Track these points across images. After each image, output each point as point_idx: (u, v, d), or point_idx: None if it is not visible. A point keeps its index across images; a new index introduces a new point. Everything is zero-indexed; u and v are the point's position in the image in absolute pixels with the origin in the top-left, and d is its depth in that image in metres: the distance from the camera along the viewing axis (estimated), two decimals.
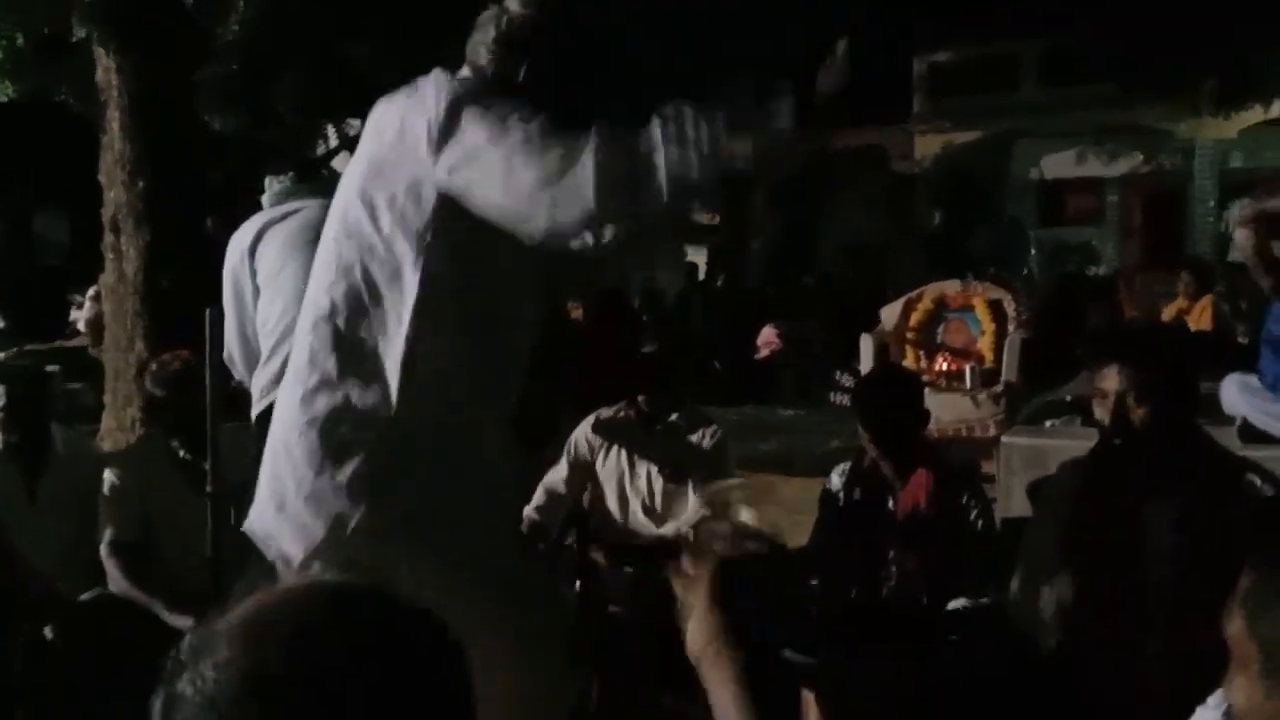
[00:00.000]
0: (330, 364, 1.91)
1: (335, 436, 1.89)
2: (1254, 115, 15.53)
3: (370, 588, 0.85)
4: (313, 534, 1.88)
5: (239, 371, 3.09)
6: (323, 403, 1.90)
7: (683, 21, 7.71)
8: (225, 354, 3.05)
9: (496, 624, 1.85)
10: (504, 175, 1.75)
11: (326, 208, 2.99)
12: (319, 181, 3.21)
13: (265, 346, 2.88)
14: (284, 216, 3.00)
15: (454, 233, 1.86)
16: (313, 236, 2.91)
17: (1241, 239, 4.26)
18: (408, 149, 1.86)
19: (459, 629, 0.86)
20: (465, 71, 1.99)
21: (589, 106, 1.93)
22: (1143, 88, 14.43)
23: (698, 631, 1.25)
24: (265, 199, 3.13)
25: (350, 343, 1.90)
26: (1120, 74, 14.29)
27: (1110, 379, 2.27)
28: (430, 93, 1.85)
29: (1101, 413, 2.32)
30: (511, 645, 1.89)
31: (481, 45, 1.99)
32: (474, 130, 1.79)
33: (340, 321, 1.91)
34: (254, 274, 2.96)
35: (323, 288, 1.96)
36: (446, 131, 1.80)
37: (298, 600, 0.81)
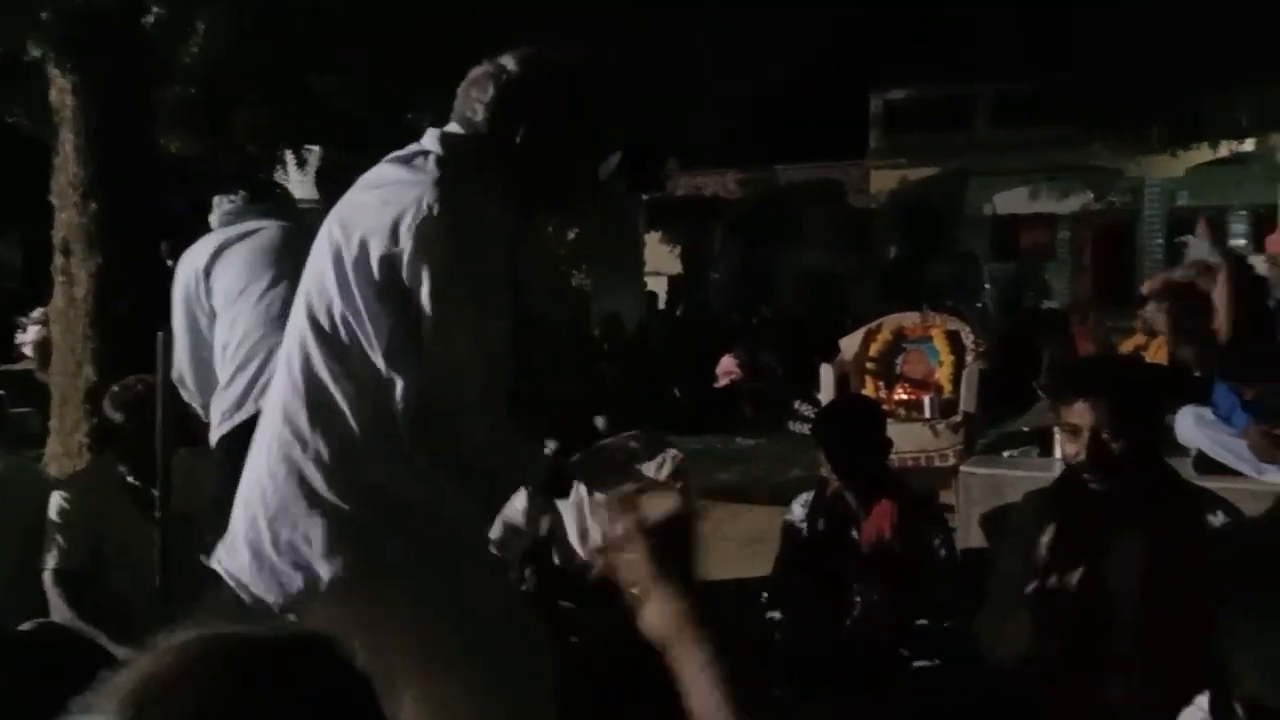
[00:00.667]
0: (303, 414, 1.87)
1: (310, 486, 1.84)
2: (1201, 155, 15.94)
3: (277, 637, 0.80)
4: (290, 585, 1.82)
5: (189, 394, 3.02)
6: (298, 452, 1.86)
7: (658, 65, 7.76)
8: (175, 375, 2.97)
9: (486, 668, 1.84)
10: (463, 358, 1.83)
11: (285, 229, 2.97)
12: (270, 202, 3.11)
13: (225, 371, 2.81)
14: (241, 237, 2.93)
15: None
16: (273, 259, 2.87)
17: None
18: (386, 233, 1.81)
19: (444, 675, 0.81)
20: (457, 128, 1.95)
21: (575, 164, 2.00)
22: (1093, 129, 14.79)
23: (658, 616, 1.15)
24: (213, 219, 3.04)
25: (325, 392, 1.86)
26: (1071, 115, 14.63)
27: (1080, 414, 2.26)
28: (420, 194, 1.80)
29: (1071, 446, 2.32)
30: (501, 689, 1.87)
31: (479, 103, 1.93)
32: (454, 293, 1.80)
33: (316, 370, 1.87)
34: (209, 294, 2.89)
35: (295, 337, 1.92)
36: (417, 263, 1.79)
37: (193, 661, 0.75)
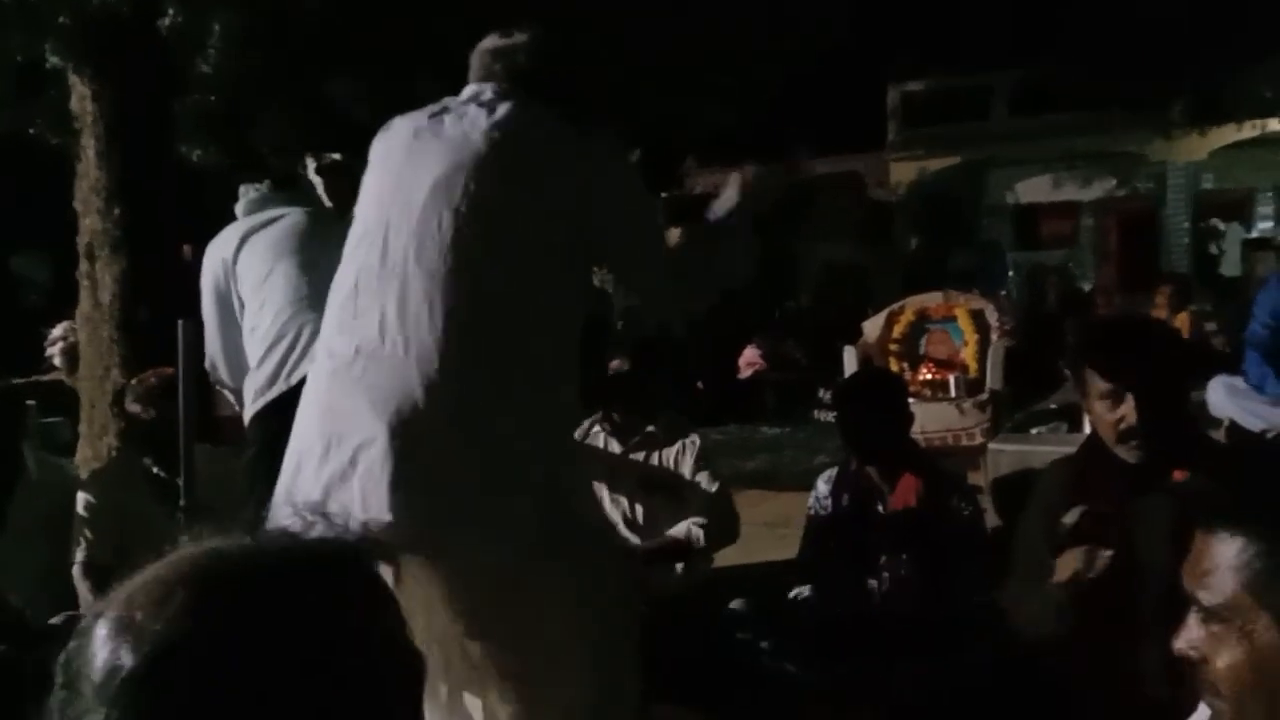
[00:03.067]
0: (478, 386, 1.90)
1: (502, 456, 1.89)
2: (1224, 136, 15.75)
3: (292, 548, 0.78)
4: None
5: (222, 378, 3.06)
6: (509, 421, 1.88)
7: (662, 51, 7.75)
8: (208, 362, 3.03)
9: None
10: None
11: (308, 214, 3.03)
12: (293, 190, 3.15)
13: (256, 352, 2.86)
14: (265, 224, 2.99)
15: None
16: (298, 243, 2.93)
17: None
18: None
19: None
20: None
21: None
22: (1113, 111, 14.64)
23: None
24: (239, 207, 3.09)
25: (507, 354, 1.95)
26: (1090, 100, 14.49)
27: (1121, 378, 2.21)
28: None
29: (1107, 411, 2.26)
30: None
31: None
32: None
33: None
34: (237, 281, 2.94)
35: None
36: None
37: (187, 569, 0.74)
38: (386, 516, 1.76)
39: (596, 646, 1.90)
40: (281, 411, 2.72)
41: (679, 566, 3.53)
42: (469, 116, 1.99)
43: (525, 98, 2.03)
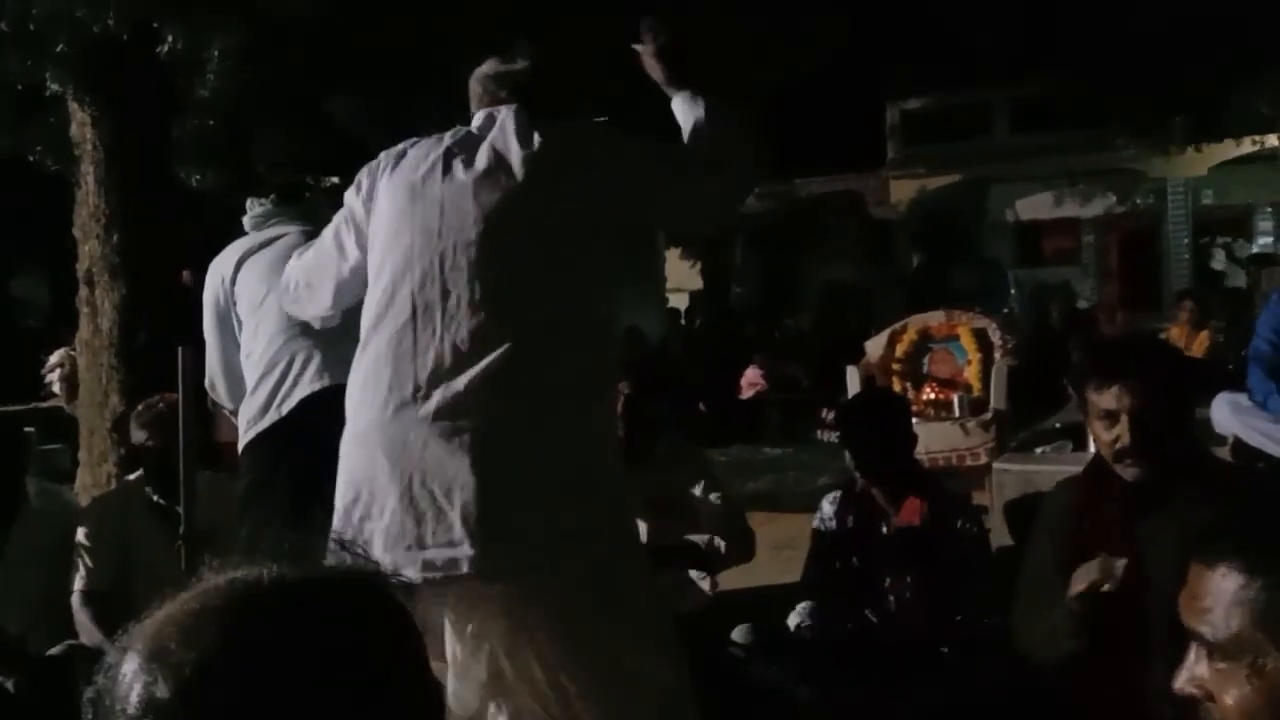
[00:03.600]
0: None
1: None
2: (1223, 152, 15.79)
3: (309, 579, 0.79)
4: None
5: (221, 398, 3.04)
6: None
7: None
8: (208, 381, 3.01)
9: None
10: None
11: (307, 233, 2.98)
12: (299, 205, 3.09)
13: (251, 378, 2.82)
14: (263, 245, 2.95)
15: None
16: (280, 267, 2.88)
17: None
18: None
19: None
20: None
21: None
22: (1113, 127, 14.67)
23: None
24: (246, 221, 3.07)
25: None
26: (1089, 116, 14.53)
27: (1116, 397, 2.20)
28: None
29: (1106, 433, 2.24)
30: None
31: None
32: None
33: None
34: (235, 302, 2.91)
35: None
36: None
37: (213, 602, 0.75)
38: (489, 545, 1.83)
39: (656, 658, 1.98)
40: (274, 441, 2.72)
41: (697, 580, 3.51)
42: (496, 143, 2.03)
43: (537, 116, 2.06)
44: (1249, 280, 13.82)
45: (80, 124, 5.64)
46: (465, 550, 1.82)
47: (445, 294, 1.94)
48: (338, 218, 2.21)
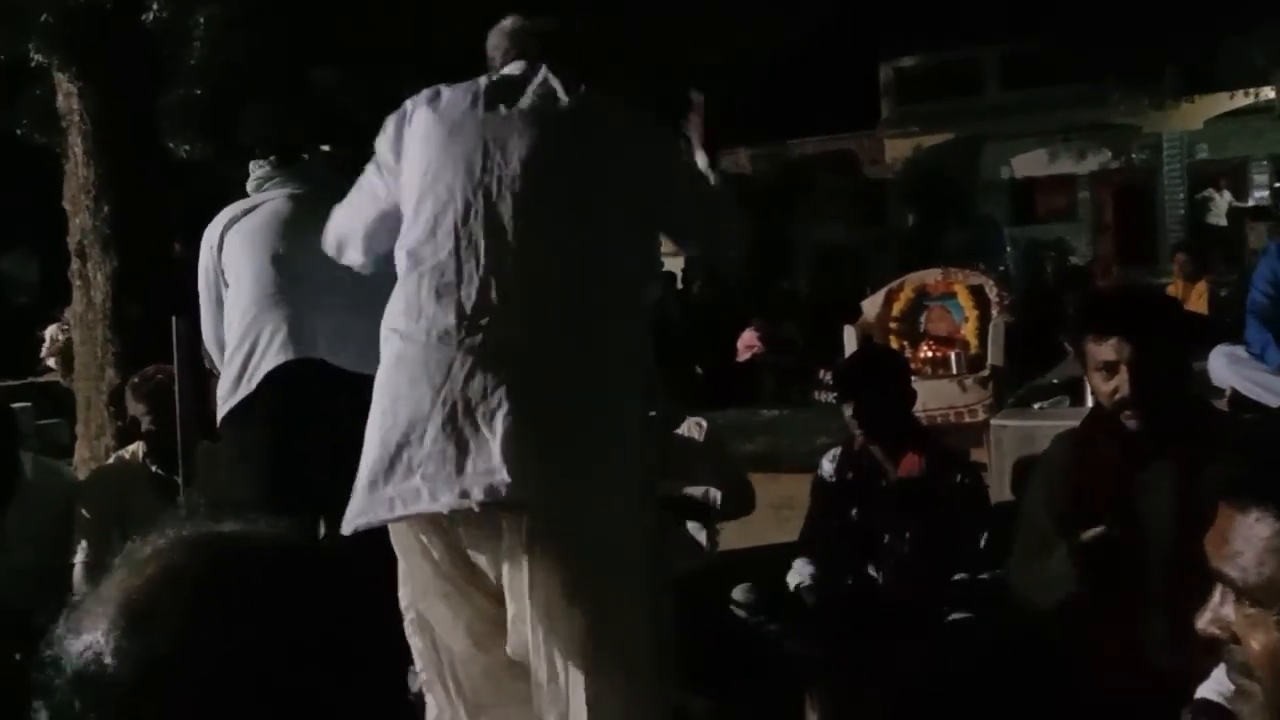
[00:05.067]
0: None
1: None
2: (1217, 105, 15.71)
3: (259, 536, 0.77)
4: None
5: (217, 366, 3.04)
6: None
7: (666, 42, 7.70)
8: (204, 349, 3.01)
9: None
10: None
11: (293, 198, 2.97)
12: (298, 165, 3.08)
13: (229, 348, 2.82)
14: (247, 211, 2.94)
15: None
16: (271, 236, 2.87)
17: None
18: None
19: None
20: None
21: None
22: (1106, 84, 14.58)
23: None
24: (249, 184, 3.05)
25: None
26: (1082, 70, 14.44)
27: (1115, 348, 2.20)
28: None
29: (1105, 384, 2.24)
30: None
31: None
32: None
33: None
34: (222, 271, 2.91)
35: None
36: None
37: (176, 569, 0.72)
38: (527, 473, 1.85)
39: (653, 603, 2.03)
40: (246, 415, 2.75)
41: (695, 534, 3.53)
42: (540, 89, 2.08)
43: (573, 73, 2.12)
44: (1230, 232, 13.80)
45: (67, 95, 5.58)
46: (503, 478, 1.84)
47: (490, 228, 1.97)
48: (369, 168, 2.22)
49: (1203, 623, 1.14)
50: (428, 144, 2.07)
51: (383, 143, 2.17)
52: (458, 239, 1.97)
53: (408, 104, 2.15)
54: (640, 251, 2.16)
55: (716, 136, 2.71)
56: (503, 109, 2.05)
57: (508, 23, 2.22)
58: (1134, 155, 18.20)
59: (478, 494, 1.84)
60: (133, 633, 0.68)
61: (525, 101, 2.06)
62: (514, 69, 2.15)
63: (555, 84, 2.09)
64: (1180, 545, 2.13)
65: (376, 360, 2.76)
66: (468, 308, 1.93)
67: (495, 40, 2.22)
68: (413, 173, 2.08)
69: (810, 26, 9.90)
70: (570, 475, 1.92)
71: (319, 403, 2.70)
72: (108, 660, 0.68)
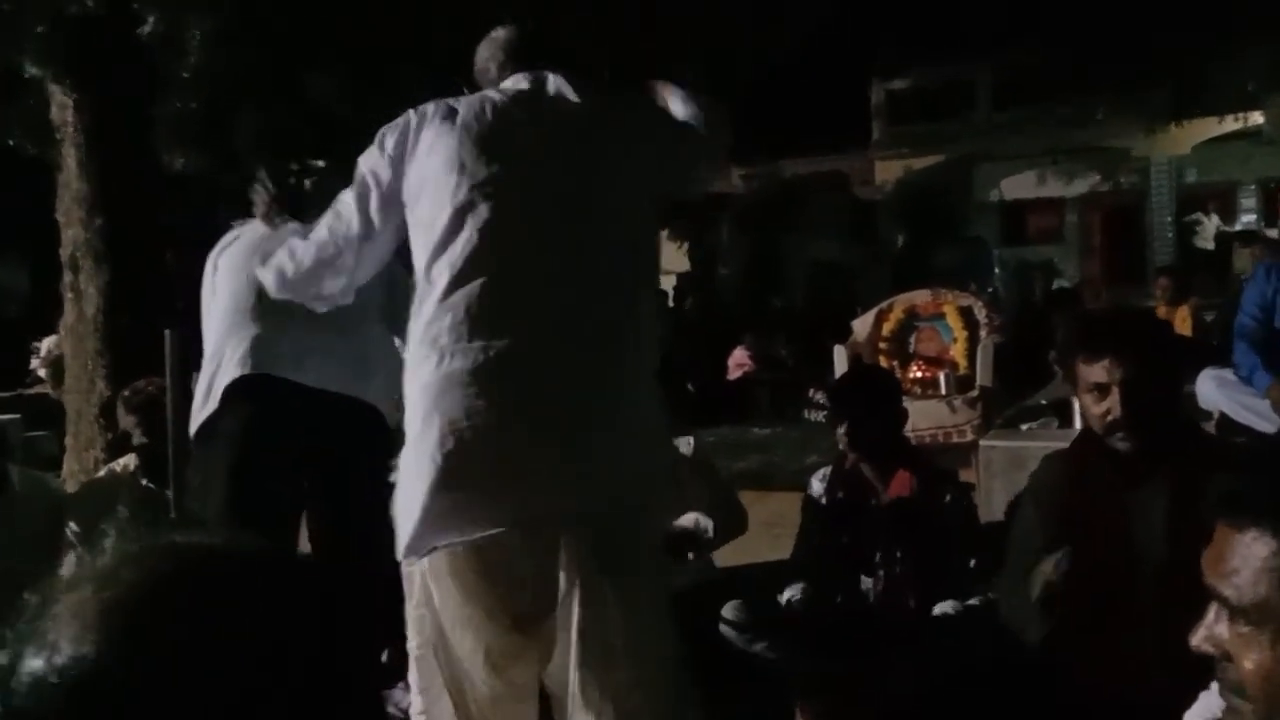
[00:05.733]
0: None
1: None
2: (1206, 130, 15.82)
3: (228, 549, 0.75)
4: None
5: None
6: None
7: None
8: None
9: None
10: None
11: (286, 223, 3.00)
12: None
13: (203, 366, 2.90)
14: (237, 237, 3.02)
15: None
16: (245, 261, 2.90)
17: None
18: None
19: None
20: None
21: None
22: (1096, 107, 14.69)
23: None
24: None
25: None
26: (1072, 90, 14.55)
27: (1107, 370, 2.20)
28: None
29: (1096, 406, 2.25)
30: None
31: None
32: None
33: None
34: (215, 293, 2.97)
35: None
36: None
37: (153, 581, 0.70)
38: (583, 490, 1.89)
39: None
40: (211, 430, 2.80)
41: (690, 556, 3.53)
42: (558, 101, 2.08)
43: (580, 80, 2.12)
44: (1217, 256, 13.87)
45: (60, 106, 5.58)
46: (559, 497, 1.87)
47: (536, 244, 1.97)
48: (354, 187, 2.13)
49: (1197, 640, 1.14)
50: (445, 157, 2.01)
51: (378, 161, 2.09)
52: (499, 256, 1.95)
53: (411, 116, 2.08)
54: (654, 248, 2.23)
55: None
56: (527, 122, 2.05)
57: (500, 34, 2.19)
58: (1123, 178, 18.30)
59: (533, 511, 1.86)
60: (84, 646, 0.66)
61: (546, 113, 2.07)
62: (522, 81, 2.12)
63: (568, 92, 2.08)
64: (1171, 567, 2.15)
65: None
66: (520, 324, 1.92)
67: (488, 51, 2.19)
68: (423, 186, 2.03)
69: (802, 47, 9.96)
70: (624, 487, 1.94)
71: (277, 415, 2.76)
72: (54, 680, 0.66)
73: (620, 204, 2.04)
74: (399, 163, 2.06)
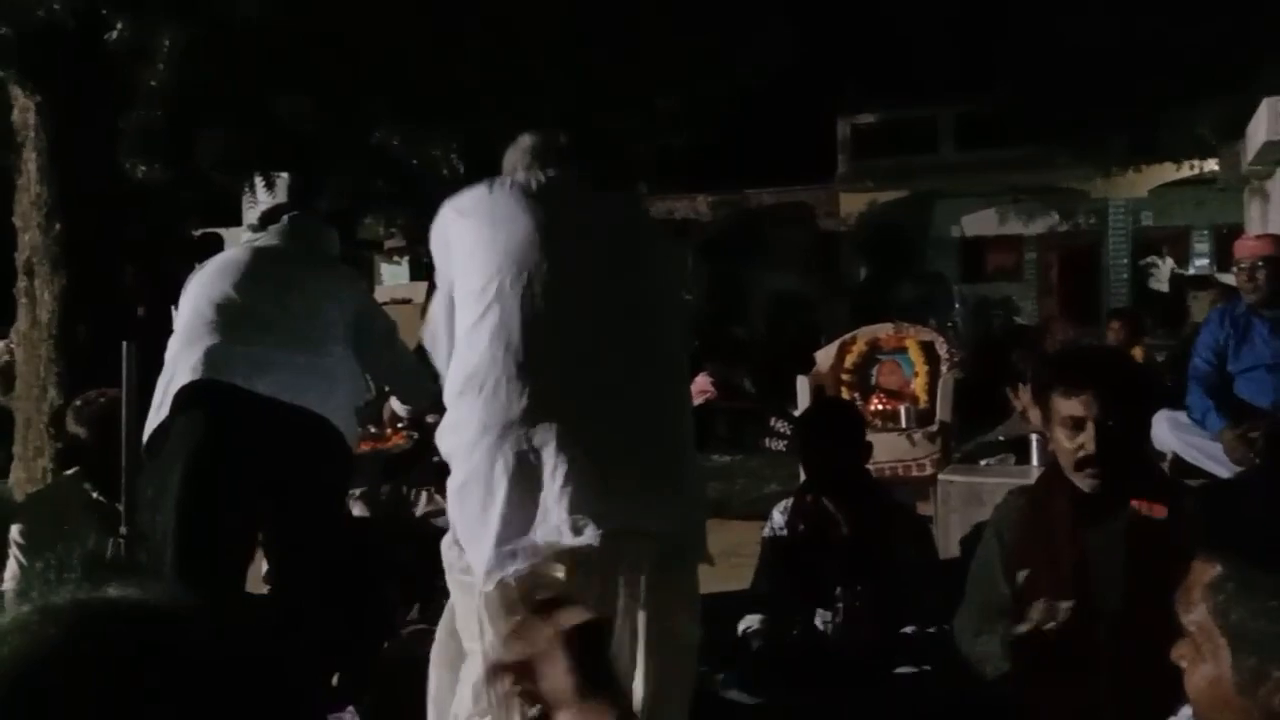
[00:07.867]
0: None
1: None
2: (1163, 175, 16.17)
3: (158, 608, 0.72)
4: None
5: None
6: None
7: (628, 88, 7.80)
8: None
9: None
10: None
11: (256, 249, 3.15)
12: (271, 223, 3.25)
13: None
14: (212, 260, 3.11)
15: None
16: (219, 278, 3.01)
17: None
18: None
19: None
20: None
21: None
22: (1056, 149, 14.99)
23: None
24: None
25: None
26: (1032, 134, 14.84)
27: (1084, 404, 2.22)
28: None
29: (1067, 438, 2.27)
30: None
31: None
32: None
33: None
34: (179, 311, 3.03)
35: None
36: None
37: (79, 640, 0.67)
38: (654, 507, 2.09)
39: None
40: (163, 439, 2.85)
41: None
42: (579, 189, 2.33)
43: (599, 177, 2.42)
44: (1171, 298, 14.13)
45: (22, 110, 5.50)
46: (635, 516, 2.05)
47: (575, 309, 2.16)
48: (437, 296, 2.38)
49: (1174, 654, 1.28)
50: (479, 246, 2.20)
51: (438, 255, 2.32)
52: (534, 326, 2.11)
53: (446, 211, 2.29)
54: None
55: (677, 182, 3.03)
56: (559, 207, 2.24)
57: (526, 140, 2.37)
58: (1081, 219, 18.67)
59: (612, 524, 1.99)
60: None
61: (571, 203, 2.27)
62: (550, 175, 2.30)
63: (592, 192, 2.34)
64: (1128, 604, 2.17)
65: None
66: (582, 387, 2.11)
67: (515, 157, 2.37)
68: (470, 261, 2.21)
69: (771, 81, 10.07)
70: (684, 504, 2.17)
71: (229, 422, 2.79)
72: None
73: (651, 277, 2.30)
74: (445, 250, 2.29)
